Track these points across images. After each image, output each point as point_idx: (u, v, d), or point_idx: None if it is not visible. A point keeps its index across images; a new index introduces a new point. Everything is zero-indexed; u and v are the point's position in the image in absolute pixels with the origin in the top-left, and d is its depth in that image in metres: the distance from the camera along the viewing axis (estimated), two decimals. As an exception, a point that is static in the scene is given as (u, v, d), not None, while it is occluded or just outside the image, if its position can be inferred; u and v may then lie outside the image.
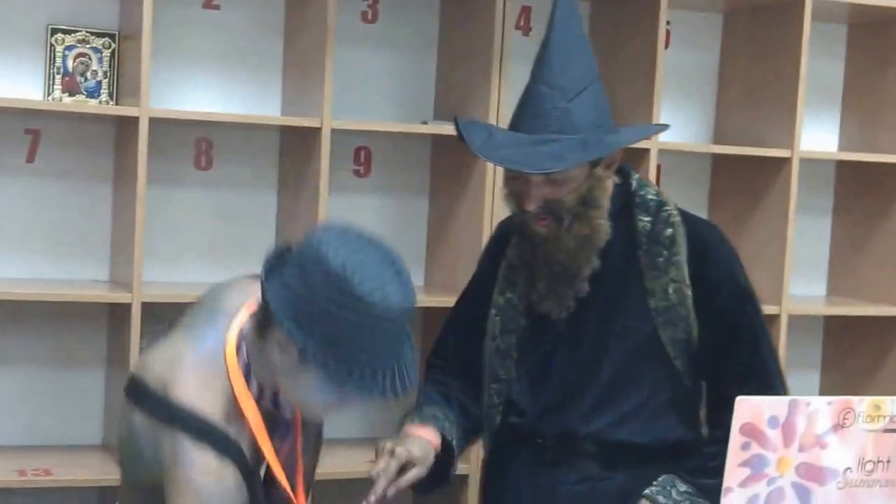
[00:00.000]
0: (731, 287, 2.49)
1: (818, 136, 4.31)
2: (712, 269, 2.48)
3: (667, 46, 3.83)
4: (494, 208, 3.63)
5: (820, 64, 4.17)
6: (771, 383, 2.48)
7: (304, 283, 2.02)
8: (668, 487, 2.42)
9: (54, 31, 3.49)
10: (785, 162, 3.95)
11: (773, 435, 2.04)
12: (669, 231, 2.47)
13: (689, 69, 4.20)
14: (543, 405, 2.53)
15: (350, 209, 3.68)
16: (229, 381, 2.15)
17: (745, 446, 2.03)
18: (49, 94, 3.48)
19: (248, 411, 2.14)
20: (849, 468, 2.10)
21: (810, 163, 4.09)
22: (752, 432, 2.03)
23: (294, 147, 3.67)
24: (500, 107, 3.62)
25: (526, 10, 3.99)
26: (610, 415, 2.48)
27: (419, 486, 2.47)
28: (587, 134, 2.37)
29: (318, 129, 3.47)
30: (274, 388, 2.17)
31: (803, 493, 2.08)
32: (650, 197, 2.51)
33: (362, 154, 3.86)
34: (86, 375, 3.62)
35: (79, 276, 3.57)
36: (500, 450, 2.62)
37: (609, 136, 2.42)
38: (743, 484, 2.05)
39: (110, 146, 3.57)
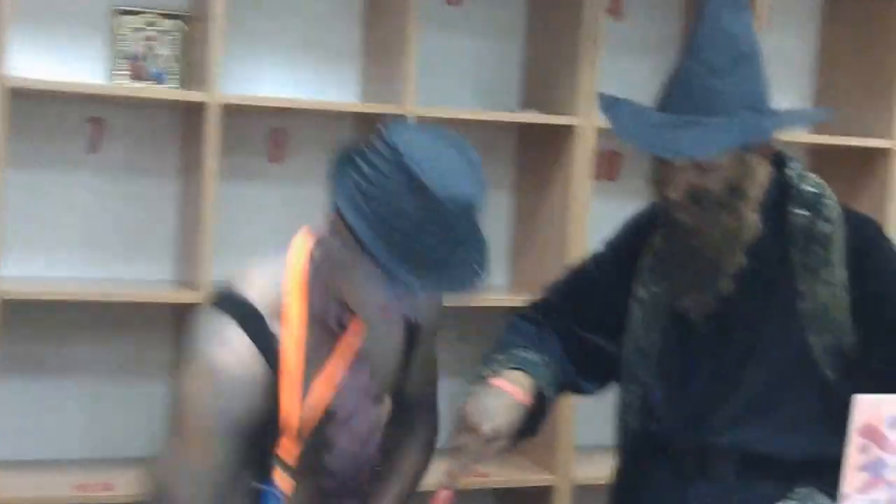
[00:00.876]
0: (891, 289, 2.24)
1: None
2: (874, 273, 2.24)
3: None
4: (583, 202, 3.42)
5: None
6: None
7: (369, 169, 1.92)
8: (807, 501, 2.20)
9: (118, 13, 3.27)
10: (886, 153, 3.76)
11: (894, 437, 1.82)
12: (828, 227, 2.24)
13: (786, 55, 3.95)
14: (682, 412, 2.31)
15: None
16: (290, 275, 2.07)
17: (863, 449, 1.83)
18: (113, 80, 3.28)
19: (294, 307, 2.05)
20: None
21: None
22: (871, 434, 1.85)
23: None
24: (591, 96, 3.37)
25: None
26: (754, 426, 2.25)
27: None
28: (739, 116, 2.15)
29: (402, 118, 3.24)
30: (339, 298, 2.04)
31: (925, 499, 1.85)
32: (809, 189, 2.27)
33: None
34: (149, 383, 3.38)
35: (141, 276, 3.36)
36: (634, 458, 2.40)
37: (763, 120, 2.18)
38: (862, 489, 1.91)
39: (177, 136, 3.37)
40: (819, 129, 3.91)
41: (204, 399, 2.04)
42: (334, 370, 2.10)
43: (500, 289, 3.64)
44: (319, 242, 2.07)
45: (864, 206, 3.63)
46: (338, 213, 1.94)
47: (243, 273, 2.10)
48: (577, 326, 2.42)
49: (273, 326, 2.05)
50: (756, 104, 2.18)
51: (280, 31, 3.50)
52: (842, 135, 3.80)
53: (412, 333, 2.23)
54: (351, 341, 2.11)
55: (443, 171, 1.91)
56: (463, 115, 3.47)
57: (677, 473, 2.30)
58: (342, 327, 2.10)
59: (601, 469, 2.69)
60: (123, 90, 3.23)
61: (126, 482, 3.10)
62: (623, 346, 2.38)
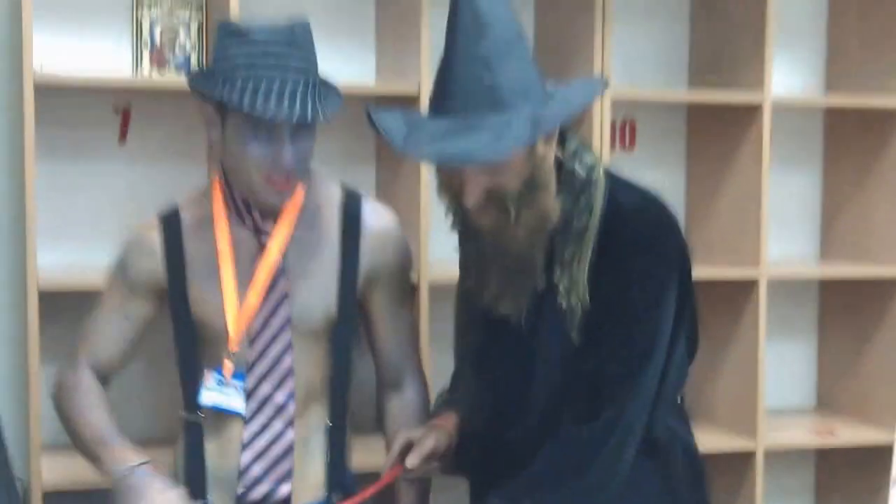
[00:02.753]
0: (618, 285, 2.14)
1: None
2: (610, 267, 2.14)
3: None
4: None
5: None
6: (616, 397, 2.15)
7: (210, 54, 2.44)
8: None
9: (139, 4, 3.22)
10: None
11: None
12: (584, 220, 2.15)
13: (797, 16, 3.84)
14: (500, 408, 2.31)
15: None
16: (212, 187, 2.40)
17: None
18: (138, 70, 3.21)
19: (217, 205, 2.37)
20: None
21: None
22: None
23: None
24: (606, 61, 3.32)
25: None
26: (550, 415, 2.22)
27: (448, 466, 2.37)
28: (522, 109, 2.02)
29: (416, 98, 3.18)
30: (244, 196, 2.32)
31: None
32: (579, 171, 2.16)
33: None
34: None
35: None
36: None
37: (548, 110, 2.06)
38: None
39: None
40: (835, 90, 3.83)
41: (116, 257, 2.46)
42: (263, 278, 2.32)
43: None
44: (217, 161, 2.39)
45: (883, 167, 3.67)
46: (200, 109, 2.32)
47: (189, 193, 2.49)
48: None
49: (195, 231, 2.38)
50: (535, 92, 2.07)
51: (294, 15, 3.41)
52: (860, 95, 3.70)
53: (352, 270, 2.38)
54: (273, 254, 2.33)
55: (257, 24, 2.23)
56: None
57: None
58: (259, 230, 2.34)
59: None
60: (149, 82, 3.19)
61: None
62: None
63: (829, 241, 3.90)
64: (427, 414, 2.50)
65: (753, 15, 3.45)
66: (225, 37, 2.25)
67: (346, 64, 3.44)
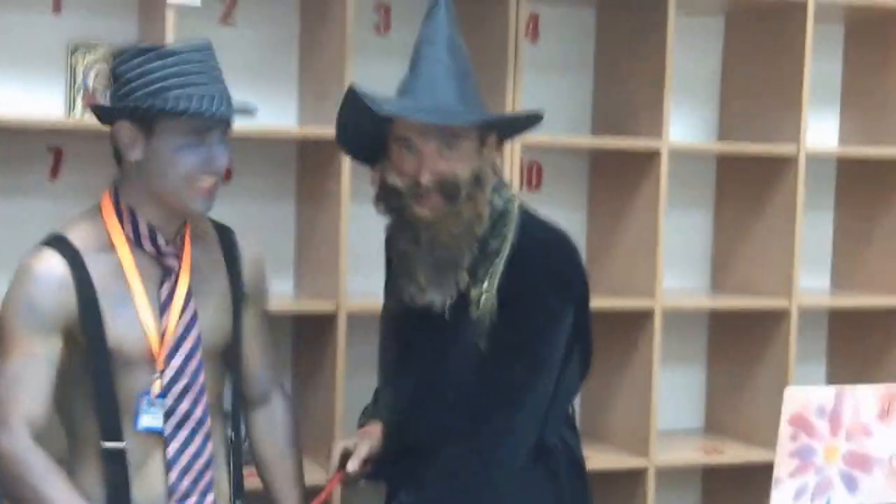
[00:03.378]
0: (520, 298, 2.38)
1: (818, 133, 4.17)
2: (513, 281, 2.38)
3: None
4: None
5: (820, 64, 4.03)
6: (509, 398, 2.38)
7: (121, 85, 2.34)
8: None
9: (75, 49, 3.38)
10: (790, 160, 3.85)
11: (821, 425, 1.96)
12: (497, 244, 2.39)
13: (692, 71, 4.10)
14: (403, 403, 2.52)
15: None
16: (101, 217, 2.39)
17: (793, 436, 1.96)
18: (71, 112, 3.36)
19: (113, 229, 2.37)
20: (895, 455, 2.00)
21: (814, 160, 3.97)
22: (800, 422, 1.97)
23: (312, 159, 3.58)
24: (516, 110, 3.52)
25: (534, 18, 3.90)
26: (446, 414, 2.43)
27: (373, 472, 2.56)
28: (477, 107, 2.41)
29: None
30: (151, 218, 2.37)
31: (850, 482, 2.01)
32: (497, 203, 2.43)
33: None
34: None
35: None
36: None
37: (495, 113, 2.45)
38: (792, 474, 1.99)
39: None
40: (726, 138, 4.08)
41: (14, 296, 2.33)
42: (177, 300, 2.39)
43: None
44: (119, 181, 2.41)
45: (772, 211, 3.88)
46: (118, 132, 2.35)
47: (70, 221, 2.43)
48: None
49: (94, 259, 2.34)
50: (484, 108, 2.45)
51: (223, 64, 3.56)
52: (748, 140, 3.94)
53: (238, 291, 2.52)
54: (182, 277, 2.40)
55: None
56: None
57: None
58: (161, 253, 2.39)
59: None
60: (82, 124, 3.33)
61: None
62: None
63: (719, 275, 4.15)
64: (296, 427, 2.66)
65: (653, 69, 3.69)
66: (133, 58, 2.32)
67: (268, 107, 3.58)
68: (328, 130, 3.32)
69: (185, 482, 2.39)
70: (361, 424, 2.65)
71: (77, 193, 3.40)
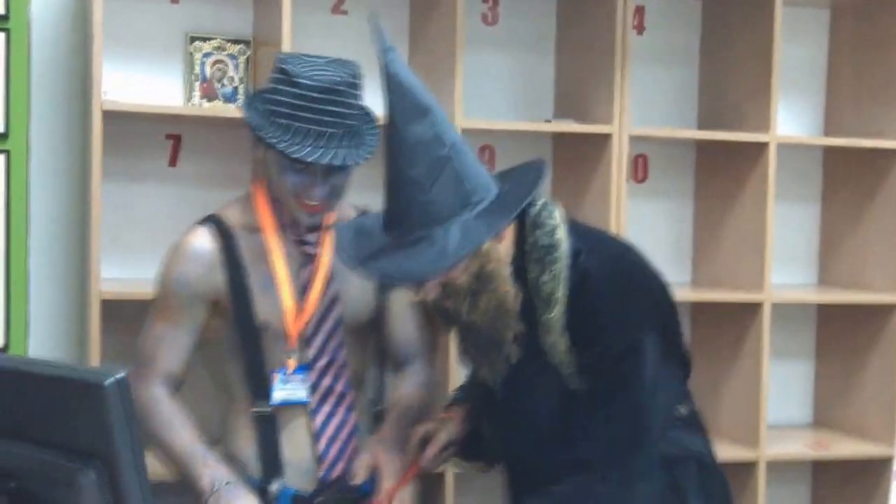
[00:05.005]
0: (607, 341, 2.26)
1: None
2: (588, 322, 2.25)
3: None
4: (620, 203, 3.51)
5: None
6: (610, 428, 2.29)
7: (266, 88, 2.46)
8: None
9: (192, 39, 3.42)
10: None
11: None
12: (551, 286, 2.24)
13: (798, 63, 4.04)
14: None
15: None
16: (253, 202, 2.55)
17: None
18: (189, 100, 3.40)
19: (264, 212, 2.52)
20: None
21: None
22: None
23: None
24: (624, 102, 3.50)
25: (640, 10, 3.87)
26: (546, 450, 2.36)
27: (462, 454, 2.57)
28: (456, 224, 2.12)
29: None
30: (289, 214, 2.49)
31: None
32: (541, 242, 2.26)
33: (486, 153, 3.73)
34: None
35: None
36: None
37: (481, 224, 2.15)
38: None
39: (248, 151, 3.47)
40: (832, 132, 4.03)
41: (168, 268, 2.53)
42: (317, 283, 2.51)
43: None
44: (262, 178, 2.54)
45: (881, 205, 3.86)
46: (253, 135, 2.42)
47: (227, 204, 2.60)
48: None
49: (244, 238, 2.51)
50: (468, 203, 2.15)
51: (335, 54, 3.56)
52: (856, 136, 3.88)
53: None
54: (322, 262, 2.53)
55: (310, 66, 2.38)
56: (503, 126, 3.60)
57: None
58: (302, 241, 2.51)
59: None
60: (199, 110, 3.38)
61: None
62: None
63: (827, 269, 4.09)
64: (424, 394, 2.65)
65: (759, 61, 3.65)
66: (278, 72, 2.40)
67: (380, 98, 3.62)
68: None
69: (333, 451, 2.53)
70: (448, 406, 2.63)
71: (195, 180, 3.47)
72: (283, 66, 2.39)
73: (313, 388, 2.52)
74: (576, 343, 2.25)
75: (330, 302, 2.53)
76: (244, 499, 2.38)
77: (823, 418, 4.08)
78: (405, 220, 2.14)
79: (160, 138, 3.44)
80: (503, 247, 2.23)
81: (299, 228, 2.51)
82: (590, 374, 2.27)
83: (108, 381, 1.35)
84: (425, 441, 2.52)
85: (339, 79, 2.37)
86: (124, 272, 3.38)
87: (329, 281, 2.53)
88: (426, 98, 2.17)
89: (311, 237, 2.53)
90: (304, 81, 2.35)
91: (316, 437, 2.52)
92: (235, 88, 3.44)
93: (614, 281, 2.27)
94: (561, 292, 2.23)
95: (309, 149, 2.34)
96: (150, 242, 3.40)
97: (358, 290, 2.56)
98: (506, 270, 2.23)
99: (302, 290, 2.51)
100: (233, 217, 2.55)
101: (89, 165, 3.08)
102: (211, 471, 2.41)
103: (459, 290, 2.20)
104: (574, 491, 2.27)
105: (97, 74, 3.05)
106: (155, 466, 2.93)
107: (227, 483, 2.39)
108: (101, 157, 3.05)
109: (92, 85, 3.07)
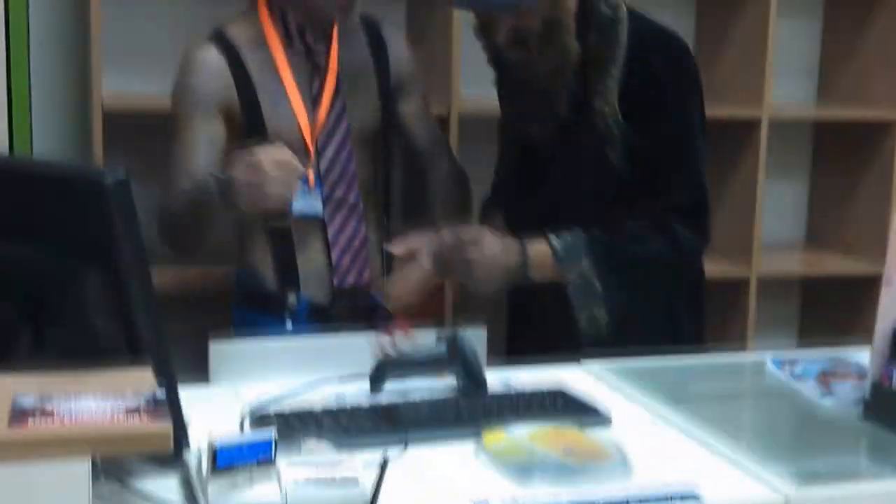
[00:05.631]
0: (658, 102, 2.42)
1: None
2: (643, 87, 2.40)
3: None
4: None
5: None
6: (687, 182, 2.46)
7: None
8: (573, 256, 2.41)
9: None
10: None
11: None
12: (612, 53, 2.40)
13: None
14: (533, 218, 2.54)
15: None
16: (258, 15, 2.52)
17: None
18: None
19: (268, 26, 2.51)
20: None
21: None
22: None
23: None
24: None
25: None
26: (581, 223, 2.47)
27: None
28: None
29: None
30: (299, 19, 2.49)
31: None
32: (604, 11, 2.42)
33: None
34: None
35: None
36: None
37: None
38: None
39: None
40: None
41: (179, 83, 2.51)
42: (327, 94, 2.52)
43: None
44: None
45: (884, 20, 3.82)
46: None
47: (226, 21, 2.55)
48: None
49: (250, 53, 2.49)
50: None
51: None
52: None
53: (385, 83, 2.62)
54: (330, 73, 2.53)
55: None
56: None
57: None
58: (311, 51, 2.51)
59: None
60: None
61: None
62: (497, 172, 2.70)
63: (827, 84, 4.07)
64: (462, 181, 2.74)
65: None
66: None
67: None
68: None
69: (345, 260, 2.58)
70: (482, 219, 2.71)
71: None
72: None
73: (325, 199, 2.55)
74: (628, 112, 2.39)
75: (339, 113, 2.55)
76: (260, 146, 2.33)
77: (817, 236, 4.14)
78: None
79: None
80: (570, 5, 2.39)
81: (308, 39, 2.52)
82: (642, 143, 2.39)
83: (110, 180, 1.37)
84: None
85: None
86: (127, 84, 3.35)
87: (337, 92, 2.55)
88: None
89: (319, 47, 2.54)
90: None
91: (329, 247, 2.57)
92: None
93: (671, 57, 2.45)
94: (620, 61, 2.39)
95: None
96: (152, 53, 3.38)
97: (365, 100, 2.59)
98: (572, 23, 2.38)
99: (312, 102, 2.53)
100: (237, 32, 2.54)
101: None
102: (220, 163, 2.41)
103: (529, 33, 2.34)
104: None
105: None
106: (182, 279, 3.09)
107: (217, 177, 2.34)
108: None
109: None
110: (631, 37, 2.41)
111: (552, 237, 2.42)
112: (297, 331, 2.54)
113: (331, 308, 2.58)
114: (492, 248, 2.40)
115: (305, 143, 2.52)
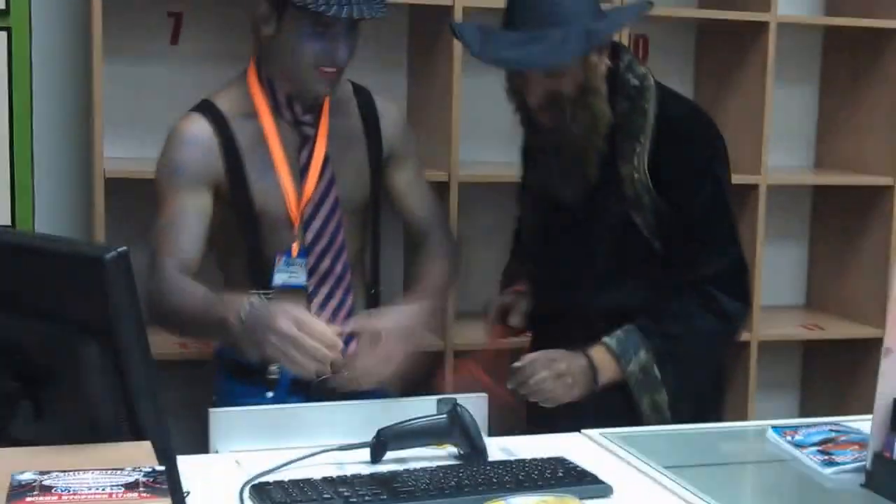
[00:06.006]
0: (689, 171, 2.47)
1: None
2: (673, 157, 2.45)
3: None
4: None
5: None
6: (723, 249, 2.51)
7: None
8: (631, 351, 2.45)
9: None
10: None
11: None
12: (640, 121, 2.44)
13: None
14: (556, 282, 2.59)
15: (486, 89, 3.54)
16: (248, 85, 2.51)
17: None
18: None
19: (257, 97, 2.49)
20: None
21: None
22: None
23: (423, 28, 3.57)
24: None
25: None
26: (606, 289, 2.53)
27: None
28: (578, 25, 2.33)
29: (450, 8, 3.34)
30: (287, 90, 2.48)
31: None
32: (633, 81, 2.47)
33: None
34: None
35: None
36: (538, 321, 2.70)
37: (600, 25, 2.38)
38: None
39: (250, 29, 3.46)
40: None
41: (166, 156, 2.49)
42: (315, 165, 2.49)
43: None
44: (257, 52, 2.52)
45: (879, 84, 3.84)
46: (258, 5, 2.43)
47: (219, 89, 2.55)
48: None
49: (239, 124, 2.47)
50: (590, 10, 2.39)
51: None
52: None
53: (377, 152, 2.60)
54: (319, 143, 2.50)
55: None
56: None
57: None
58: (299, 122, 2.49)
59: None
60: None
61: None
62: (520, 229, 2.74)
63: (823, 152, 4.09)
64: (456, 257, 2.73)
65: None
66: None
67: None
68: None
69: None
70: (505, 285, 2.74)
71: (197, 59, 3.45)
72: None
73: (312, 270, 2.52)
74: (656, 179, 2.43)
75: (328, 184, 2.53)
76: (280, 306, 2.25)
77: (816, 300, 4.14)
78: (533, 17, 2.34)
79: (162, 16, 3.42)
80: (602, 68, 2.44)
81: (297, 109, 2.50)
82: (673, 213, 2.44)
83: (109, 255, 1.37)
84: (504, 312, 2.65)
85: None
86: (128, 151, 3.38)
87: (326, 162, 2.53)
88: None
89: (307, 118, 2.52)
90: None
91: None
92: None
93: (698, 127, 2.52)
94: (648, 128, 2.43)
95: (335, 6, 2.34)
96: (152, 121, 3.40)
97: (354, 171, 2.57)
98: (604, 90, 2.43)
99: (300, 173, 2.51)
100: (226, 103, 2.52)
101: (91, 44, 3.06)
102: (231, 304, 2.28)
103: (562, 97, 2.38)
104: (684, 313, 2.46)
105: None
106: (161, 346, 3.04)
107: (250, 305, 2.25)
108: (101, 34, 3.04)
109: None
110: (659, 105, 2.45)
111: (606, 339, 2.45)
112: (277, 402, 2.46)
113: (314, 380, 2.46)
114: (563, 366, 2.45)
115: (291, 216, 2.50)
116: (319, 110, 2.54)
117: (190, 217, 2.43)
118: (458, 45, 3.33)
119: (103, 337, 1.42)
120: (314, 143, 2.52)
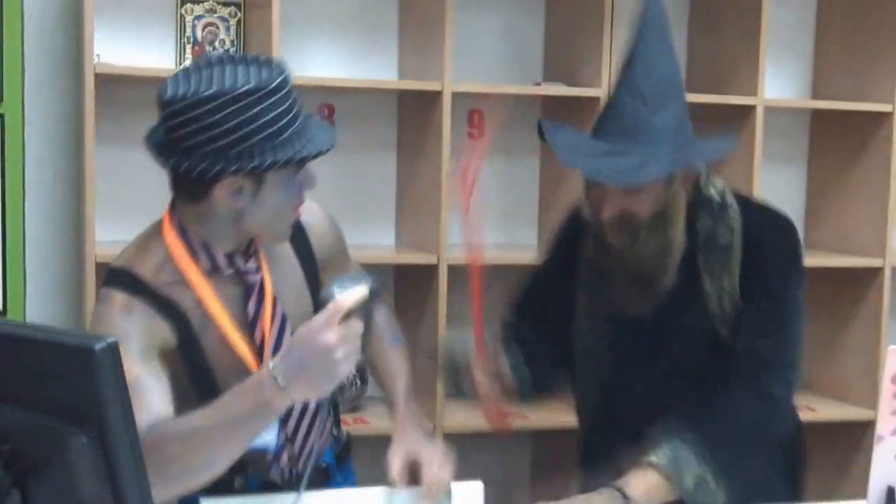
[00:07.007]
0: (772, 280, 2.40)
1: None
2: (761, 272, 2.39)
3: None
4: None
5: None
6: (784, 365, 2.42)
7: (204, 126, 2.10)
8: (681, 465, 2.31)
9: (183, 2, 3.44)
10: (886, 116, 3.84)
11: None
12: (727, 237, 2.38)
13: (786, 26, 4.07)
14: (627, 398, 2.51)
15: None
16: (165, 244, 2.22)
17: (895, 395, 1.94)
18: (181, 63, 3.42)
19: (186, 264, 2.20)
20: None
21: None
22: None
23: (412, 111, 3.60)
24: (612, 66, 3.50)
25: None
26: (683, 403, 2.41)
27: None
28: (667, 146, 2.26)
29: (439, 93, 3.39)
30: (230, 246, 2.22)
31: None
32: (714, 197, 2.41)
33: (475, 117, 3.77)
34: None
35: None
36: (594, 435, 2.63)
37: (688, 152, 2.31)
38: (895, 433, 1.96)
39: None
40: (820, 94, 4.06)
41: (106, 326, 2.12)
42: (266, 316, 2.26)
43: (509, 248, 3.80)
44: (190, 217, 2.20)
45: (866, 168, 3.90)
46: (219, 189, 2.09)
47: (130, 252, 2.26)
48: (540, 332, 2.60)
49: (175, 293, 2.18)
50: (681, 135, 2.30)
51: (326, 16, 3.65)
52: (842, 100, 3.93)
53: (312, 271, 2.40)
54: (266, 287, 2.27)
55: (241, 75, 2.08)
56: (494, 89, 3.63)
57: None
58: (242, 272, 2.23)
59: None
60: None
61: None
62: (575, 342, 2.58)
63: (811, 232, 4.14)
64: (393, 326, 2.60)
65: (748, 24, 3.68)
66: (227, 101, 2.06)
67: (369, 60, 3.67)
68: (428, 83, 3.45)
69: (299, 437, 2.37)
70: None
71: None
72: (226, 98, 2.05)
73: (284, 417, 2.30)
74: (743, 291, 2.37)
75: (280, 324, 2.30)
76: (316, 328, 1.97)
77: (808, 381, 4.14)
78: (622, 131, 2.26)
79: (153, 102, 3.45)
80: (684, 197, 2.37)
81: (238, 263, 2.24)
82: (748, 317, 2.38)
83: (99, 346, 1.38)
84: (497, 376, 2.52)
85: (265, 75, 2.11)
86: (120, 235, 3.40)
87: (275, 303, 2.29)
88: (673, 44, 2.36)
89: (250, 265, 2.26)
90: (262, 85, 2.06)
91: (280, 425, 2.31)
92: (227, 51, 3.47)
93: (785, 242, 2.43)
94: (737, 245, 2.37)
95: (309, 143, 2.12)
96: (144, 205, 3.42)
97: (295, 303, 2.36)
98: (681, 221, 2.35)
99: (252, 326, 2.27)
100: (147, 272, 2.21)
101: (83, 129, 3.10)
102: (247, 380, 2.04)
103: (637, 221, 2.30)
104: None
105: (89, 38, 3.08)
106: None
107: (273, 376, 1.98)
108: (94, 120, 3.08)
109: (84, 49, 3.09)
110: (744, 218, 2.40)
111: (653, 458, 2.31)
112: None
113: (284, 485, 2.34)
114: None
115: (250, 371, 2.20)
116: (256, 249, 2.29)
117: (152, 380, 2.14)
118: (446, 128, 3.38)
119: (92, 427, 1.43)
120: (262, 289, 2.28)
